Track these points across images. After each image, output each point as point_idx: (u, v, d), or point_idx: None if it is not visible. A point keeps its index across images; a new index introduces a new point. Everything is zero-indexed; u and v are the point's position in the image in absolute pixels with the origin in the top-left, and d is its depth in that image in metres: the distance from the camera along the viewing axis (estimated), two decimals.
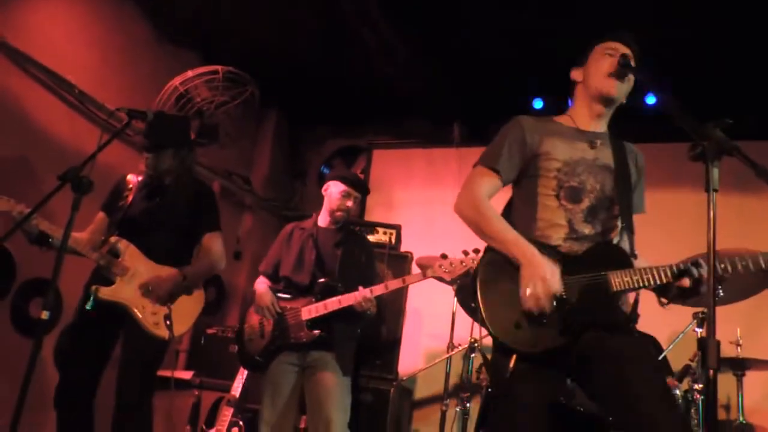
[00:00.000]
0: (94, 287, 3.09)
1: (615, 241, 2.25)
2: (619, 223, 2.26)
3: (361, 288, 3.32)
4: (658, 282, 2.01)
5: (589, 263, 2.10)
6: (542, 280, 2.04)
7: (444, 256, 3.27)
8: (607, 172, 2.27)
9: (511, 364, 2.08)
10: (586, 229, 2.20)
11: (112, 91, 4.52)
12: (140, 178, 3.38)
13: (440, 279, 3.32)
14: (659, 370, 2.09)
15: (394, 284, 3.36)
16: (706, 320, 1.49)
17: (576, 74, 2.45)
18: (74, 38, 4.39)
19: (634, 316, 2.12)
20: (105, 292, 3.09)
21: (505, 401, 2.13)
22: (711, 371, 1.45)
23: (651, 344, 2.18)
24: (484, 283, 2.19)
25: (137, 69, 4.84)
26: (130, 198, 3.31)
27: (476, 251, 3.21)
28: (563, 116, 2.45)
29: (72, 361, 3.12)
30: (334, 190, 3.62)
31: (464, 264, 3.24)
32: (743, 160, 1.65)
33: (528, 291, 2.04)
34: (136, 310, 3.11)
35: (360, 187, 3.70)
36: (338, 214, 3.59)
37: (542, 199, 2.27)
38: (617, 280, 2.04)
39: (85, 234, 3.30)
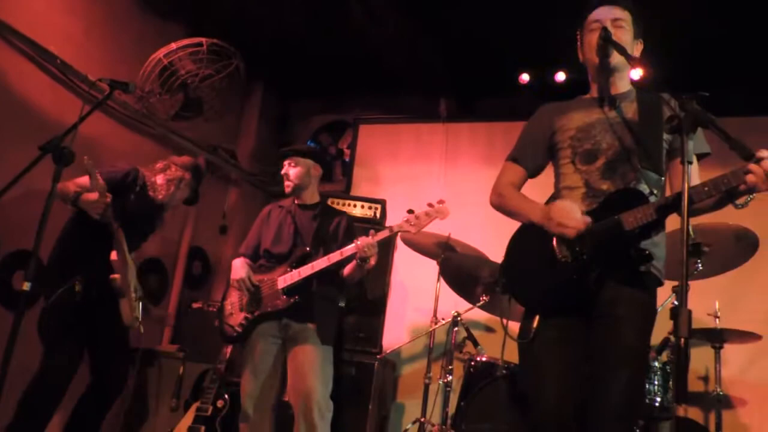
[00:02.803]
0: (116, 276, 3.33)
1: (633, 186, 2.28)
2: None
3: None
4: (663, 208, 2.07)
5: (606, 213, 2.17)
6: (560, 210, 2.20)
7: (410, 211, 3.28)
8: (628, 125, 2.30)
9: (534, 324, 2.25)
10: (604, 185, 2.26)
11: (95, 62, 4.46)
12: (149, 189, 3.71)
13: (406, 232, 3.32)
14: (639, 351, 2.19)
15: (365, 239, 3.29)
16: (678, 291, 1.51)
17: (580, 56, 2.52)
18: (56, 8, 4.32)
19: (650, 252, 2.15)
20: (117, 281, 3.35)
21: (528, 352, 2.28)
22: (682, 340, 1.48)
23: (650, 307, 2.26)
24: (510, 255, 2.40)
25: (120, 40, 4.77)
26: (133, 198, 3.62)
27: (440, 202, 3.26)
28: (587, 94, 2.52)
29: (66, 347, 3.31)
30: None
31: (429, 215, 3.25)
32: (718, 132, 1.66)
33: (557, 228, 2.19)
34: (125, 302, 3.40)
35: (292, 152, 3.70)
36: (286, 184, 3.63)
37: (562, 169, 2.41)
38: (630, 218, 2.10)
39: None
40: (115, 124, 4.73)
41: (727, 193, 2.00)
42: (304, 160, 3.65)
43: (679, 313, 1.47)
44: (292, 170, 3.61)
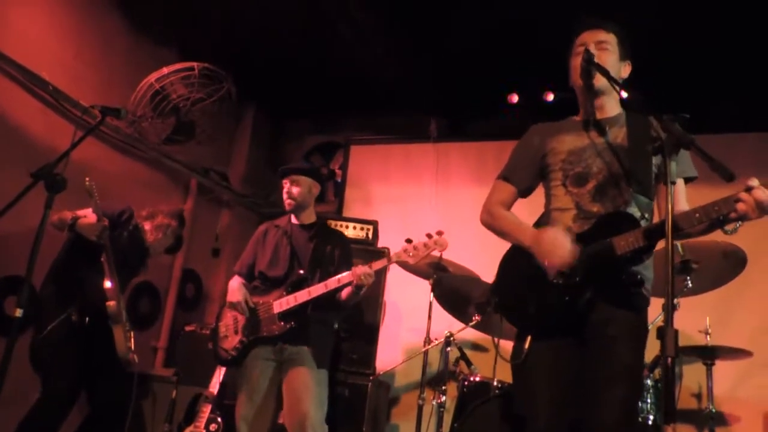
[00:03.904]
0: (112, 303, 3.37)
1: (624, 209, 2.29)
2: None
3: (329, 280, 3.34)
4: (653, 233, 2.08)
5: (597, 235, 2.19)
6: (550, 240, 2.20)
7: (408, 241, 3.30)
8: (617, 150, 2.33)
9: (526, 346, 2.26)
10: (594, 208, 2.28)
11: (87, 87, 4.48)
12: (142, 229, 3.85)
13: (404, 263, 3.34)
14: (633, 369, 2.20)
15: (363, 269, 3.31)
16: (665, 310, 1.53)
17: (570, 80, 2.53)
18: (48, 34, 4.35)
19: (641, 277, 2.19)
20: (114, 308, 3.39)
21: (520, 374, 2.31)
22: (669, 359, 1.49)
23: (641, 327, 2.28)
24: (501, 276, 2.42)
25: (112, 65, 4.80)
26: (126, 236, 3.71)
27: (439, 233, 3.26)
28: (577, 115, 2.53)
29: (65, 375, 3.32)
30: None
31: (427, 246, 3.26)
32: (699, 153, 1.69)
33: (544, 258, 2.20)
34: (118, 330, 3.43)
35: (293, 171, 3.69)
36: (288, 202, 3.61)
37: (553, 191, 2.42)
38: (621, 243, 2.11)
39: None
40: (107, 149, 4.75)
41: (717, 220, 2.02)
42: (304, 178, 3.64)
43: (665, 332, 1.48)
44: (294, 188, 3.60)
